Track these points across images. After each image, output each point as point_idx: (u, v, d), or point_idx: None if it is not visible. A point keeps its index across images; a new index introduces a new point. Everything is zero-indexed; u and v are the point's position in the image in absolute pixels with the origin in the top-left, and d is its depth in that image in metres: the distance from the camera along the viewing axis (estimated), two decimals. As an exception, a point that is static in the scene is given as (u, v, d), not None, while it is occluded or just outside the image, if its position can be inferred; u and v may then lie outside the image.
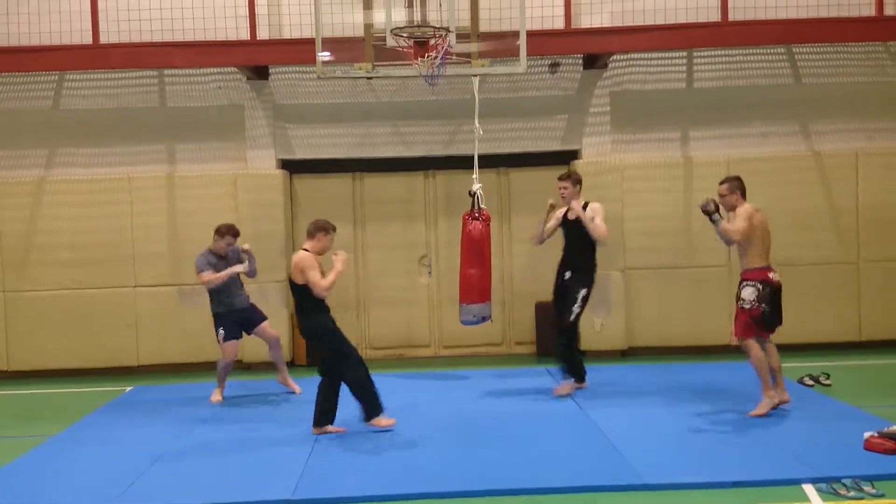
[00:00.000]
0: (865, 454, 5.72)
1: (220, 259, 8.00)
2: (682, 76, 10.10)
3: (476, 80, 8.19)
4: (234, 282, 8.06)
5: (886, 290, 9.79)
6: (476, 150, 8.33)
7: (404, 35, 7.24)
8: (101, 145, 9.96)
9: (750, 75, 10.02)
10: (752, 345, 6.73)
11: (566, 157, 10.07)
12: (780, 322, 6.81)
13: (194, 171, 9.93)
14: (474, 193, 8.18)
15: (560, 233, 7.97)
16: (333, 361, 6.71)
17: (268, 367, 8.82)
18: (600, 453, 5.98)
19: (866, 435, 5.87)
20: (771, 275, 6.73)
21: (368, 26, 7.44)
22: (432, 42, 7.26)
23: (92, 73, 9.86)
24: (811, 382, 8.06)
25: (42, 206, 9.76)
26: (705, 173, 9.63)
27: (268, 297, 9.40)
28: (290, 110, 10.05)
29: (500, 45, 7.75)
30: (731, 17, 9.26)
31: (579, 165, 9.73)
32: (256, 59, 9.50)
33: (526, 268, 10.31)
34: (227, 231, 8.01)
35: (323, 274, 6.63)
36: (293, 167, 10.15)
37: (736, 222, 6.74)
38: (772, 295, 6.70)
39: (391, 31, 7.20)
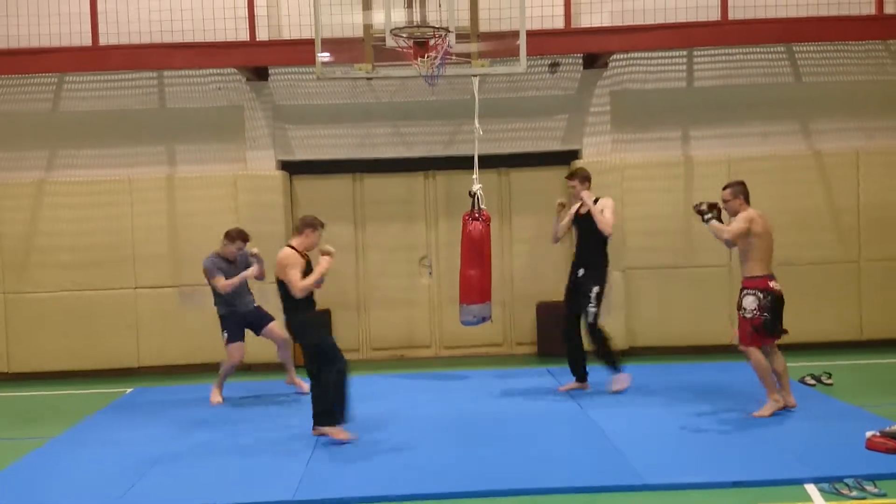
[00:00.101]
0: (867, 453, 5.71)
1: (229, 263, 7.98)
2: (683, 75, 10.10)
3: (476, 81, 8.18)
4: (242, 284, 8.03)
5: (887, 290, 9.78)
6: (476, 151, 8.32)
7: (404, 35, 7.24)
8: (101, 147, 9.96)
9: (750, 74, 10.02)
10: (753, 351, 6.71)
11: (566, 157, 10.07)
12: (783, 330, 6.80)
13: (194, 173, 9.92)
14: (474, 194, 8.18)
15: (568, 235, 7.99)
16: (314, 360, 6.60)
17: (268, 367, 8.82)
18: (601, 453, 5.97)
19: (868, 434, 5.86)
20: (772, 283, 6.71)
21: (368, 27, 7.43)
22: (432, 42, 7.25)
23: (91, 75, 9.86)
24: (813, 382, 8.05)
25: (42, 208, 9.75)
26: (705, 172, 9.64)
27: (267, 298, 9.32)
28: (289, 111, 10.05)
29: (500, 44, 7.74)
30: (731, 16, 9.25)
31: (579, 165, 9.71)
32: (256, 60, 9.50)
33: (526, 268, 10.31)
34: (238, 236, 7.99)
35: (308, 272, 6.52)
36: (293, 168, 10.14)
37: (733, 225, 6.73)
38: (773, 303, 6.69)
39: (391, 31, 7.19)
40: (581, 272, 7.84)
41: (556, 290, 10.14)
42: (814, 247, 9.76)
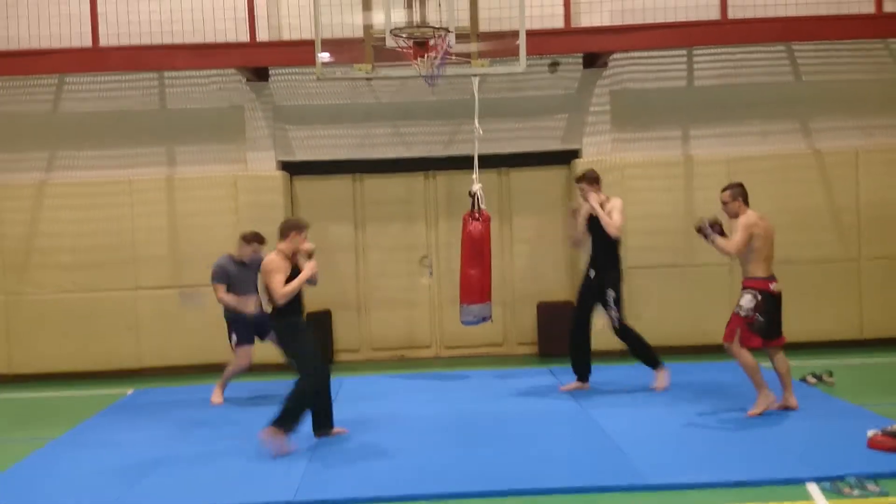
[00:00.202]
0: (869, 452, 5.70)
1: (242, 266, 7.95)
2: (682, 74, 10.10)
3: (476, 80, 8.18)
4: (248, 287, 7.98)
5: (888, 288, 9.78)
6: (476, 151, 8.32)
7: (404, 35, 7.24)
8: (102, 148, 9.97)
9: (750, 73, 10.02)
10: (738, 349, 6.69)
11: (566, 157, 10.07)
12: (779, 332, 6.79)
13: (194, 173, 9.92)
14: (474, 194, 8.18)
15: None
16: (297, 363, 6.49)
17: (268, 368, 8.81)
18: (602, 453, 5.97)
19: (870, 433, 5.85)
20: (772, 286, 6.70)
21: (368, 27, 7.44)
22: (432, 42, 7.26)
23: (92, 76, 9.86)
24: (814, 381, 8.04)
25: (43, 209, 9.75)
26: (705, 172, 9.65)
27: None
28: (289, 112, 10.05)
29: (500, 44, 7.74)
30: (730, 16, 9.25)
31: (580, 165, 9.72)
32: (256, 61, 9.50)
33: (527, 268, 10.31)
34: (254, 238, 7.95)
35: (294, 274, 6.38)
36: (293, 169, 10.14)
37: (734, 236, 6.70)
38: (770, 305, 6.68)
39: (391, 31, 7.19)
40: (592, 274, 7.85)
41: (556, 290, 10.20)
42: (814, 245, 9.76)
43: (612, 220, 7.62)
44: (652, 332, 9.77)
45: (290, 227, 6.49)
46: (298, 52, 8.83)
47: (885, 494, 5.01)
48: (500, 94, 9.93)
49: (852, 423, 6.38)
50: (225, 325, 8.07)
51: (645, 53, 9.93)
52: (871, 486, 5.06)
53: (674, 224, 9.78)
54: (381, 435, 6.68)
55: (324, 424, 6.70)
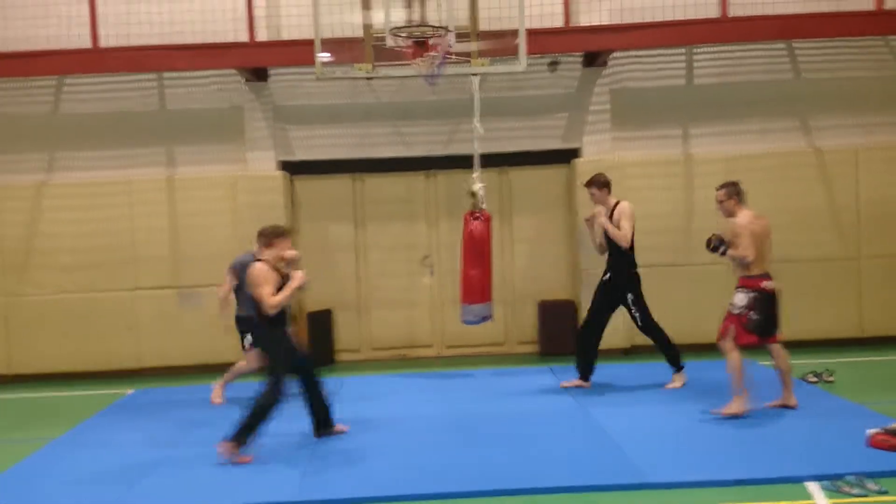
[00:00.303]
0: (869, 451, 5.71)
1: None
2: (682, 73, 10.09)
3: (476, 79, 8.20)
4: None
5: (888, 287, 9.77)
6: (476, 150, 8.32)
7: (404, 35, 7.25)
8: (101, 148, 9.97)
9: (749, 71, 10.01)
10: (731, 349, 6.69)
11: (567, 156, 10.07)
12: (775, 329, 6.77)
13: (194, 174, 9.92)
14: (475, 193, 8.18)
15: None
16: (303, 367, 6.52)
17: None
18: (602, 452, 5.97)
19: (870, 432, 5.85)
20: (765, 283, 6.68)
21: (368, 26, 7.44)
22: (432, 41, 7.26)
23: (91, 77, 9.85)
24: (815, 379, 8.04)
25: (42, 210, 9.76)
26: (705, 170, 9.63)
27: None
28: (289, 112, 10.05)
29: (500, 43, 7.74)
30: (729, 14, 9.24)
31: (580, 164, 9.73)
32: (255, 61, 9.49)
33: (527, 267, 10.30)
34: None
35: (283, 282, 6.30)
36: (293, 168, 10.14)
37: (741, 243, 6.63)
38: (764, 303, 6.67)
39: (390, 31, 7.20)
40: (608, 276, 7.91)
41: (556, 289, 10.20)
42: (814, 244, 9.75)
43: (621, 230, 7.66)
44: (652, 331, 9.83)
45: (276, 235, 6.38)
46: (298, 52, 8.82)
47: (884, 493, 5.01)
48: (500, 93, 9.92)
49: (852, 421, 6.38)
50: (237, 327, 7.94)
51: (644, 52, 9.92)
52: (870, 485, 5.07)
53: (673, 223, 9.79)
54: (381, 435, 6.68)
55: (324, 425, 6.71)
